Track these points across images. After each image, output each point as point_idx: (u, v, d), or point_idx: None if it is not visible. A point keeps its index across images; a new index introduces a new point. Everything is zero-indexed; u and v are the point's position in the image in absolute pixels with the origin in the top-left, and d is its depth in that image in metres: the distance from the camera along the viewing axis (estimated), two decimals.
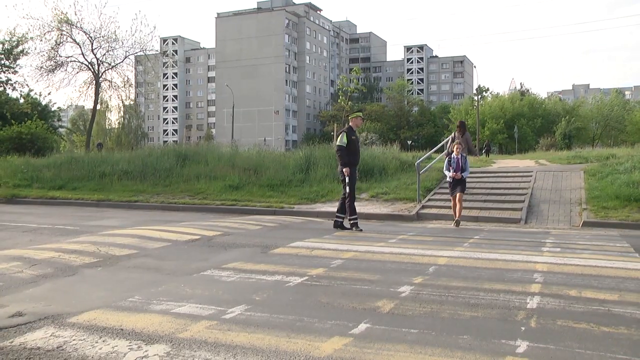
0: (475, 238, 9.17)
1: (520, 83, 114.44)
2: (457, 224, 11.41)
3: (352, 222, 10.22)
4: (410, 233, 9.81)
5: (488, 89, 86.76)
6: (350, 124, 10.56)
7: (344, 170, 10.18)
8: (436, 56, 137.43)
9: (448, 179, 11.89)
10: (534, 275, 6.04)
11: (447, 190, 14.98)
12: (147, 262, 6.85)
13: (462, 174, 11.64)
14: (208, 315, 4.50)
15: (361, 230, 9.99)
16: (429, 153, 17.93)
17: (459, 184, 11.65)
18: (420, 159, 15.24)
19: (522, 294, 5.20)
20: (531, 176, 15.81)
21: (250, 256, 7.23)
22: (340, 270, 6.29)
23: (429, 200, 13.86)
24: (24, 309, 4.71)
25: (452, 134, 15.88)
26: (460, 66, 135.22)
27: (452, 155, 11.86)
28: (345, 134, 10.28)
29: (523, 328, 4.19)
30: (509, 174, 16.69)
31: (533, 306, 4.80)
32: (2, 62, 29.92)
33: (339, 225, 10.33)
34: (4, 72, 30.49)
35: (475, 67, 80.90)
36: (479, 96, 73.64)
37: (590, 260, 6.94)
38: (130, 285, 5.61)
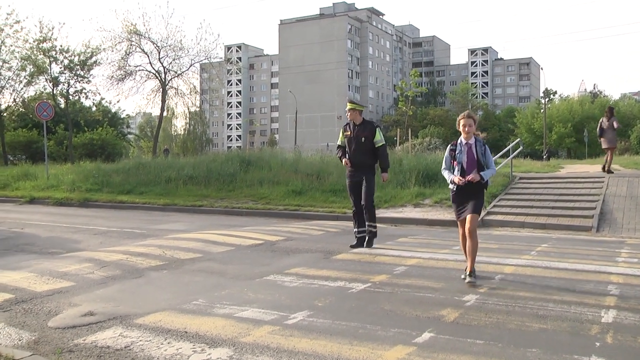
0: (543, 246, 8.84)
1: (594, 84, 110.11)
2: (471, 276, 5.90)
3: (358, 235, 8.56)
4: None
5: (556, 92, 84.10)
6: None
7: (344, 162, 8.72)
8: (501, 58, 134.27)
9: (451, 185, 6.23)
10: (608, 287, 5.75)
11: (514, 196, 13.36)
12: (211, 266, 6.96)
13: (482, 173, 6.02)
14: (270, 320, 4.52)
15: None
16: (494, 157, 17.48)
17: (471, 197, 6.07)
18: None
19: (596, 307, 4.95)
20: (603, 182, 15.13)
21: (312, 262, 7.23)
22: (404, 277, 6.20)
23: (494, 206, 13.48)
24: (95, 309, 4.88)
25: (601, 119, 16.28)
26: (526, 68, 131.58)
27: (460, 140, 6.18)
28: (341, 131, 8.96)
29: (598, 344, 3.99)
30: (579, 180, 16.03)
31: (608, 320, 4.56)
32: (78, 72, 31.34)
33: (373, 236, 8.52)
34: (79, 82, 31.95)
35: (542, 69, 78.23)
36: (547, 99, 71.30)
37: None
38: (195, 289, 5.71)
